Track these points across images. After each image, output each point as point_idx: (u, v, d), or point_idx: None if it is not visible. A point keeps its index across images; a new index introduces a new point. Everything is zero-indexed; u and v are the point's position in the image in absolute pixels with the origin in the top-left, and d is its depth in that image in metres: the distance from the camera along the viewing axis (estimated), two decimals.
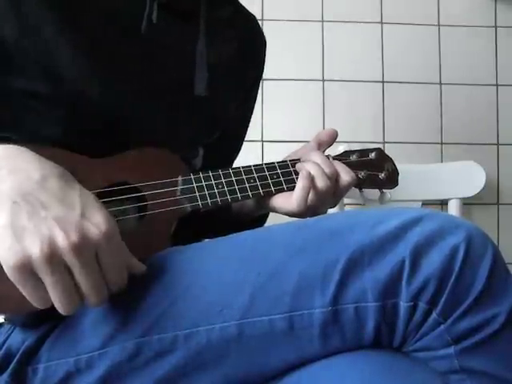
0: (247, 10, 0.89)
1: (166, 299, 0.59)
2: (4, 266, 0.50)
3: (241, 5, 0.88)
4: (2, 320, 0.65)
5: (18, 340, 0.63)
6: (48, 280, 0.51)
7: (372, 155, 0.82)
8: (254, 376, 0.59)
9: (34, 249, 0.49)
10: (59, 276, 0.51)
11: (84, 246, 0.51)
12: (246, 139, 1.00)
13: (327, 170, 0.75)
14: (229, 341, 0.57)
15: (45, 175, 0.54)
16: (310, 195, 0.74)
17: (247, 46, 0.86)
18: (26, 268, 0.50)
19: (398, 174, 0.83)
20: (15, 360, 0.62)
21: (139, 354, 0.59)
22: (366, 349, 0.56)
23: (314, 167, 0.75)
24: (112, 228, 0.53)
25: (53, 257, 0.50)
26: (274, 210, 0.79)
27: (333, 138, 0.81)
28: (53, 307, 0.56)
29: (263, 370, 0.59)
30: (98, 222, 0.53)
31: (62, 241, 0.50)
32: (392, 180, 0.83)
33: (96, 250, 0.52)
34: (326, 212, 0.81)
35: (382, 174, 0.81)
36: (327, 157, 0.78)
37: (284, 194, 0.77)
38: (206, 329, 0.57)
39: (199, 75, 0.75)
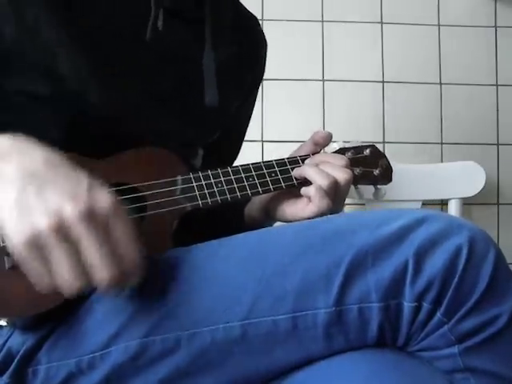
0: (248, 11, 0.89)
1: (169, 300, 0.59)
2: (13, 244, 0.50)
3: (242, 6, 0.88)
4: (4, 322, 0.65)
5: (18, 342, 0.63)
6: (56, 253, 0.49)
7: (366, 152, 0.83)
8: (257, 376, 0.59)
9: (42, 222, 0.49)
10: (67, 248, 0.49)
11: (93, 215, 0.50)
12: (246, 139, 1.00)
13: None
14: (232, 341, 0.57)
15: (49, 157, 0.54)
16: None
17: (249, 48, 0.86)
18: (34, 243, 0.49)
19: (392, 170, 0.84)
20: (15, 362, 0.62)
21: (142, 354, 0.59)
22: (370, 348, 0.57)
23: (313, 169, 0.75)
24: (119, 202, 0.53)
25: (60, 228, 0.49)
26: (286, 220, 0.79)
27: (327, 141, 0.81)
28: (52, 309, 0.57)
29: (267, 370, 0.59)
30: (105, 194, 0.52)
31: (70, 211, 0.49)
32: (386, 176, 0.83)
33: (105, 222, 0.51)
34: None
35: (377, 171, 0.82)
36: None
37: (290, 202, 0.78)
38: (209, 329, 0.57)
39: (208, 86, 0.75)
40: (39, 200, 0.50)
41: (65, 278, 0.50)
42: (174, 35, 0.75)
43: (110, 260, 0.51)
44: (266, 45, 0.92)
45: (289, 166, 0.77)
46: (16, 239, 0.49)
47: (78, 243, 0.50)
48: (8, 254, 0.59)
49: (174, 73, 0.75)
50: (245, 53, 0.85)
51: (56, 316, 0.63)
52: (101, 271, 0.51)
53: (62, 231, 0.49)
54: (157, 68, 0.73)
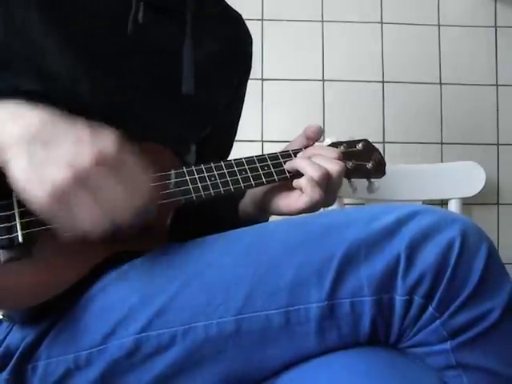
0: (233, 9, 0.89)
1: (164, 296, 0.60)
2: (38, 203, 0.52)
3: (227, 4, 0.89)
4: (1, 317, 0.65)
5: (17, 338, 0.63)
6: (79, 200, 0.52)
7: (359, 146, 0.83)
8: (251, 372, 0.59)
9: (59, 176, 0.51)
10: (88, 194, 0.52)
11: (103, 159, 0.52)
12: (246, 139, 1.00)
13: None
14: (226, 336, 0.57)
15: (45, 117, 0.55)
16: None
17: (234, 45, 0.87)
18: (57, 196, 0.51)
19: (385, 164, 0.84)
20: (14, 358, 0.62)
21: (138, 350, 0.59)
22: (363, 347, 0.57)
23: (304, 161, 0.75)
24: (122, 140, 0.55)
25: (78, 177, 0.51)
26: (280, 213, 0.79)
27: (319, 135, 0.81)
28: (48, 303, 0.57)
29: (261, 367, 0.59)
30: (107, 137, 0.54)
31: (83, 161, 0.51)
32: (379, 169, 0.83)
33: (116, 162, 0.53)
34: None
35: (370, 164, 0.82)
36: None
37: (283, 195, 0.78)
38: (203, 324, 0.58)
39: (186, 75, 0.76)
40: (50, 157, 0.52)
41: (90, 220, 0.53)
42: (156, 28, 0.75)
43: (128, 195, 0.54)
44: (251, 42, 0.92)
45: (281, 160, 0.77)
46: (39, 198, 0.51)
47: (97, 187, 0.53)
48: (3, 248, 0.60)
49: (156, 66, 0.76)
50: (231, 50, 0.86)
51: (54, 311, 0.63)
52: (121, 207, 0.54)
53: (79, 180, 0.51)
54: (141, 62, 0.74)
